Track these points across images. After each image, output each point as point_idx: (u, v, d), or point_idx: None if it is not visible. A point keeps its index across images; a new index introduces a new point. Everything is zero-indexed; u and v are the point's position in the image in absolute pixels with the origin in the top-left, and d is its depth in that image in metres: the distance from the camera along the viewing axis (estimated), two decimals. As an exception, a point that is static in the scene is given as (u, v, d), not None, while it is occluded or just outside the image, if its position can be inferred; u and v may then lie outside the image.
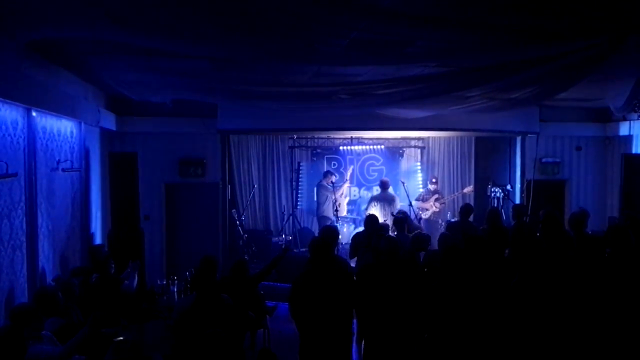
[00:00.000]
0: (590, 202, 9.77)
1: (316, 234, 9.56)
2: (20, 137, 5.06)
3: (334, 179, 10.25)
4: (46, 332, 4.10)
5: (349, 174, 10.95)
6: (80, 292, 5.24)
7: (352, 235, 6.99)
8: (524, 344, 3.84)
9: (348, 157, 11.40)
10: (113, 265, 5.98)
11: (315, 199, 10.92)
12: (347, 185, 10.76)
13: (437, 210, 9.84)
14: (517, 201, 9.70)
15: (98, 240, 7.79)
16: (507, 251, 5.92)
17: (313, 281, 4.52)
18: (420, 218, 9.44)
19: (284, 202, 11.48)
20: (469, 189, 10.41)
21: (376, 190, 10.76)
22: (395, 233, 6.93)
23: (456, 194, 10.73)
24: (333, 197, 9.91)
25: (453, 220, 9.09)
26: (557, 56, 4.50)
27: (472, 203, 10.84)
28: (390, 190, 9.62)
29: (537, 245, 4.64)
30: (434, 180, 10.13)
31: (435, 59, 5.05)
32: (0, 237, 4.59)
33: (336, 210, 9.83)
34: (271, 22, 3.85)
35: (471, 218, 10.43)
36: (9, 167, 4.56)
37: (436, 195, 9.88)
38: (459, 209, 8.27)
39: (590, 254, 4.37)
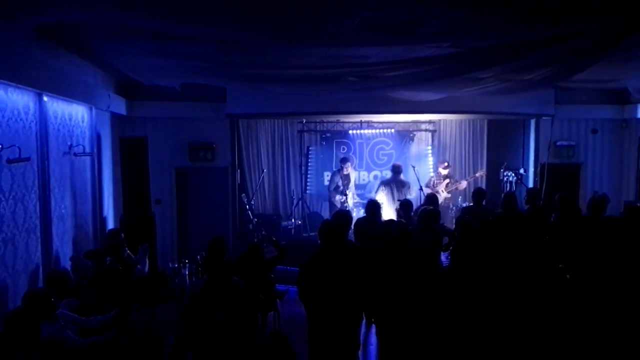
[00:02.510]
0: (605, 186, 9.64)
1: (325, 218, 9.56)
2: (32, 121, 5.07)
3: (349, 168, 10.12)
4: (61, 310, 4.15)
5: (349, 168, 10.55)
6: (94, 275, 5.29)
7: (354, 222, 6.90)
8: (540, 331, 3.79)
9: (357, 141, 11.32)
10: (126, 249, 6.04)
11: (325, 183, 10.90)
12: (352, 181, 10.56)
13: (449, 196, 9.75)
14: (531, 185, 9.59)
15: (110, 224, 7.85)
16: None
17: (321, 265, 4.50)
18: None
19: (293, 186, 11.47)
20: (480, 173, 10.28)
21: (385, 175, 10.75)
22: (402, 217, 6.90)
23: (468, 178, 10.62)
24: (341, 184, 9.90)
25: (466, 205, 9.01)
26: (575, 35, 4.39)
27: (484, 187, 10.79)
28: (402, 176, 9.51)
29: (552, 232, 4.57)
30: (445, 164, 9.99)
31: (449, 38, 4.95)
32: (14, 220, 4.63)
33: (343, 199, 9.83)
34: (279, 2, 3.79)
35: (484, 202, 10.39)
36: (22, 152, 4.58)
37: (447, 181, 9.76)
38: (471, 193, 8.18)
39: (614, 237, 4.28)
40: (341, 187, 9.97)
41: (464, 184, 10.00)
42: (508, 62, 5.35)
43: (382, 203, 8.63)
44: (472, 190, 10.71)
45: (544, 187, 9.23)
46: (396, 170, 9.27)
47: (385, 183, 9.24)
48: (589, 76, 6.96)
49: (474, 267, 3.96)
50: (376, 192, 9.28)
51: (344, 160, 10.20)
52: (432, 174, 10.84)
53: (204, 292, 4.54)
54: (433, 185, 9.78)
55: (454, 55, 5.39)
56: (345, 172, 10.04)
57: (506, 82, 6.62)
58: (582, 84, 8.49)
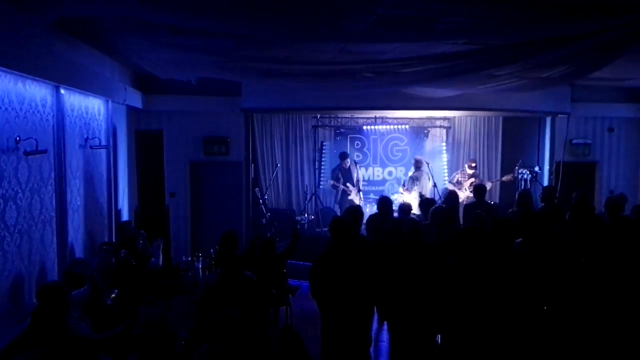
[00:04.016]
0: (621, 185, 9.55)
1: (338, 214, 9.61)
2: (49, 114, 5.13)
3: (347, 163, 10.21)
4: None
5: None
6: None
7: (366, 219, 6.95)
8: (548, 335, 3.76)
9: (372, 136, 11.30)
10: (142, 242, 6.09)
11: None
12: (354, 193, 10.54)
13: (471, 195, 9.67)
14: (545, 183, 9.51)
15: (125, 216, 7.93)
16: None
17: (333, 261, 4.50)
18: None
19: (306, 181, 11.49)
20: (508, 178, 10.06)
21: (399, 171, 10.82)
22: (420, 214, 6.90)
23: (494, 181, 10.53)
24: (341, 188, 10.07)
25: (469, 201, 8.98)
26: (593, 33, 4.32)
27: (498, 184, 10.73)
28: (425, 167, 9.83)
29: (567, 230, 4.51)
30: (473, 165, 9.91)
31: (464, 35, 4.91)
32: (30, 212, 4.70)
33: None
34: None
35: (497, 200, 10.36)
36: (39, 144, 4.64)
37: (472, 180, 9.69)
38: (472, 189, 8.19)
39: (626, 238, 4.23)
40: (341, 180, 10.21)
41: (488, 186, 9.93)
42: (524, 59, 5.29)
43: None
44: (497, 191, 10.74)
45: (559, 185, 9.14)
46: (419, 164, 9.73)
47: (415, 179, 9.59)
48: (606, 74, 6.85)
49: (480, 267, 3.88)
50: (408, 187, 9.49)
51: (342, 156, 10.34)
52: (446, 170, 10.83)
53: (217, 286, 4.57)
54: (457, 182, 9.73)
55: (469, 53, 5.35)
56: (345, 167, 10.09)
57: (522, 80, 6.55)
58: (599, 81, 8.38)
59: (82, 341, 3.83)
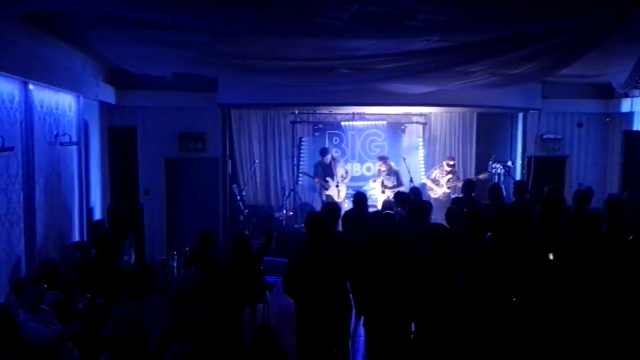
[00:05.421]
0: (590, 178, 9.80)
1: (317, 210, 9.60)
2: (17, 110, 5.01)
3: (329, 159, 10.16)
4: (44, 306, 4.11)
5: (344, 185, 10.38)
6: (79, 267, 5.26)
7: (342, 215, 6.95)
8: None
9: (350, 132, 11.33)
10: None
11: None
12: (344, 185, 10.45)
13: (448, 191, 9.77)
14: (518, 177, 9.68)
15: (97, 214, 7.79)
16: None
17: (308, 257, 4.51)
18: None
19: (285, 177, 11.45)
20: (484, 176, 10.09)
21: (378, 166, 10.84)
22: (398, 209, 6.95)
23: (471, 178, 10.63)
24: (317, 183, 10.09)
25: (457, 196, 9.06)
26: (562, 30, 4.41)
27: (473, 177, 10.85)
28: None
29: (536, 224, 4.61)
30: (451, 163, 9.91)
31: (438, 33, 4.96)
32: (-3, 212, 4.59)
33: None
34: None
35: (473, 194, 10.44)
36: (5, 141, 4.52)
37: (450, 176, 9.77)
38: (461, 185, 8.26)
39: (589, 231, 4.36)
40: (321, 175, 10.14)
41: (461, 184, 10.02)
42: (496, 56, 5.37)
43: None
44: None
45: (530, 179, 9.33)
46: (386, 159, 9.80)
47: (398, 172, 9.73)
48: (575, 71, 7.03)
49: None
50: (401, 184, 9.58)
51: (322, 152, 10.23)
52: (422, 166, 10.92)
53: (200, 288, 4.53)
54: (434, 178, 9.81)
55: (443, 50, 5.40)
56: (325, 162, 10.09)
57: (494, 77, 6.65)
58: (569, 78, 8.60)
59: (36, 341, 3.67)
